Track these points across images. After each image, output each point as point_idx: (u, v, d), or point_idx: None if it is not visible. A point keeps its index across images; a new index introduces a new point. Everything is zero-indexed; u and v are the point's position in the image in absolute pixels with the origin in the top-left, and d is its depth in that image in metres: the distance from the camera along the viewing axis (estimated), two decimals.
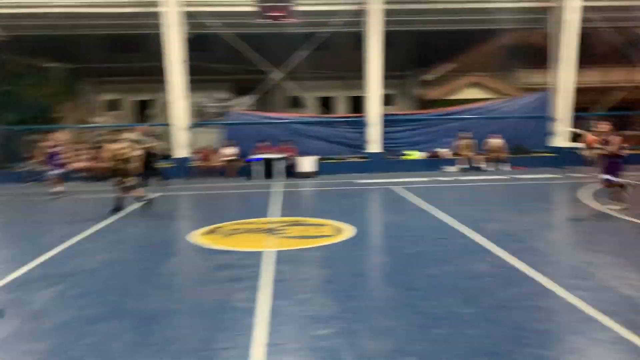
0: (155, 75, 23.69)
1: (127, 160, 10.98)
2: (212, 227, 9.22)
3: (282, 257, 7.06)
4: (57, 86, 21.90)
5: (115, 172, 11.08)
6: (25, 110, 23.00)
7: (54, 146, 15.25)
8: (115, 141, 11.33)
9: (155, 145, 13.94)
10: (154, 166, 13.84)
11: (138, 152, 11.50)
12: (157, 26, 19.07)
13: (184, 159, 18.13)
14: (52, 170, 16.89)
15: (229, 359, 4.19)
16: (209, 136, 20.50)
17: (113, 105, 26.02)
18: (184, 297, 5.75)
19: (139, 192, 11.43)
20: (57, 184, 14.89)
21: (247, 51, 19.67)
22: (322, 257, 7.16)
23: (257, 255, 7.16)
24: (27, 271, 6.74)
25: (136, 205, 11.55)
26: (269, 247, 7.65)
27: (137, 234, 9.30)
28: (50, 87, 21.73)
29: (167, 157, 19.15)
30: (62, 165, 17.28)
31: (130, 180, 11.11)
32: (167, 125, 19.12)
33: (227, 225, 9.47)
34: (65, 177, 17.09)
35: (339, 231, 8.62)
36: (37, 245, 8.20)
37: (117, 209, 11.10)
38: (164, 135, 22.55)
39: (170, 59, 18.19)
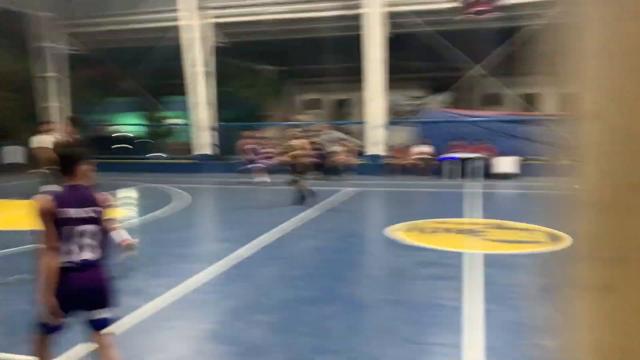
0: (351, 75, 24.73)
1: (301, 156, 11.90)
2: (409, 223, 9.24)
3: (490, 260, 6.76)
4: (267, 87, 24.14)
5: (294, 166, 11.99)
6: (240, 109, 25.87)
7: (261, 141, 16.90)
8: (297, 138, 12.27)
9: (326, 143, 14.39)
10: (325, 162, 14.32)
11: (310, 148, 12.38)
12: (358, 28, 19.85)
13: (378, 157, 18.52)
14: (258, 162, 18.79)
15: (441, 355, 4.15)
16: (403, 134, 20.65)
17: (314, 104, 27.81)
18: (390, 289, 5.85)
19: (304, 184, 12.11)
20: (262, 175, 16.38)
21: (444, 48, 19.34)
22: (535, 264, 6.68)
23: (458, 256, 6.97)
24: (248, 251, 7.52)
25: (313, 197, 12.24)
26: (472, 249, 7.40)
27: (338, 225, 9.75)
28: (261, 88, 24.04)
29: (361, 154, 19.82)
30: (267, 159, 19.06)
31: (303, 174, 11.93)
32: (363, 123, 19.74)
33: (425, 223, 9.41)
34: (271, 170, 18.83)
35: (552, 238, 7.95)
36: (252, 229, 9.11)
37: (302, 198, 11.87)
38: (359, 134, 23.43)
39: (369, 58, 18.71)
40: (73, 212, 3.12)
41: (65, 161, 3.23)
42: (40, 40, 20.51)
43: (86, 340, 3.32)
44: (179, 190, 14.08)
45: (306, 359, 4.10)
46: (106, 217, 3.31)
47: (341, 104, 26.97)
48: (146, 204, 12.01)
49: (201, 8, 19.63)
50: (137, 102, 27.00)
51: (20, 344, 4.20)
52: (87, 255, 3.16)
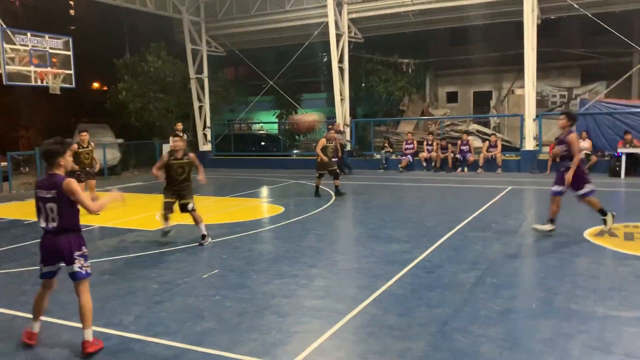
0: (496, 65, 23.29)
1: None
2: (599, 228, 8.12)
3: None
4: (404, 80, 23.53)
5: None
6: (377, 104, 25.59)
7: (404, 136, 16.37)
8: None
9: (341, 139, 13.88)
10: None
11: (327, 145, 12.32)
12: (504, 14, 18.52)
13: (532, 152, 17.11)
14: (401, 157, 18.33)
15: None
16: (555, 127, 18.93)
17: (452, 98, 26.70)
18: (619, 302, 5.02)
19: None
20: (402, 171, 15.91)
21: (599, 32, 17.36)
22: None
23: None
24: (430, 251, 7.03)
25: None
26: None
27: (517, 224, 8.91)
28: (399, 82, 23.47)
29: (515, 149, 18.50)
30: (410, 154, 18.52)
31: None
32: (514, 116, 18.40)
33: (620, 226, 8.25)
34: (412, 166, 18.24)
35: None
36: (426, 229, 8.60)
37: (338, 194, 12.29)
38: (506, 127, 21.97)
39: (524, 47, 17.25)
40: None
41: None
42: (189, 43, 21.71)
43: None
44: (321, 187, 14.05)
45: None
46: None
47: (484, 96, 25.55)
48: (305, 202, 12.01)
49: (338, 4, 19.50)
50: (277, 101, 27.83)
51: (240, 344, 4.12)
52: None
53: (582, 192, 7.60)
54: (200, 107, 22.55)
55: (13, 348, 4.30)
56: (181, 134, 8.83)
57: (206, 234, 7.88)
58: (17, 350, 4.25)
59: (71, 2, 28.35)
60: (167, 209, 7.87)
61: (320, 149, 12.25)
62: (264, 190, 14.53)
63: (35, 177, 16.89)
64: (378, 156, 19.54)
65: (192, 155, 8.06)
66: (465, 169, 17.47)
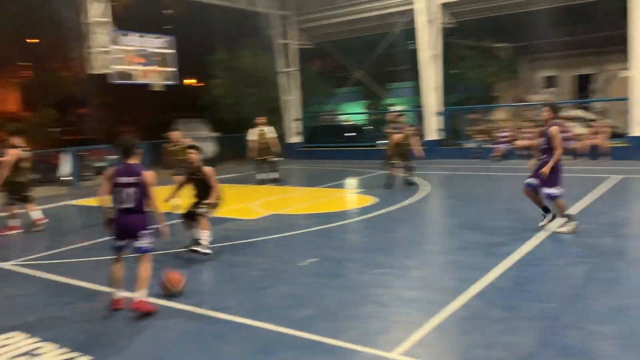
0: (598, 46, 21.68)
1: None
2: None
3: None
4: (498, 66, 22.55)
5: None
6: (468, 91, 24.74)
7: (498, 124, 15.73)
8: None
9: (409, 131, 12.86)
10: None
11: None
12: None
13: None
14: (496, 146, 17.63)
15: None
16: None
17: (549, 82, 25.24)
18: None
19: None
20: (499, 159, 15.26)
21: None
22: None
23: None
24: (533, 243, 6.72)
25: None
26: None
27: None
28: (492, 67, 22.53)
29: (617, 135, 17.22)
30: (506, 143, 17.77)
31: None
32: (621, 100, 17.07)
33: None
34: (509, 154, 17.48)
35: None
36: (527, 220, 8.23)
37: (387, 185, 12.08)
38: (615, 112, 20.41)
39: (633, 25, 15.92)
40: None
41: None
42: (277, 38, 22.16)
43: None
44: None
45: None
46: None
47: (585, 79, 23.92)
48: (396, 192, 11.89)
49: None
50: (362, 91, 27.74)
51: (342, 331, 4.18)
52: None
53: (552, 193, 7.17)
54: (289, 100, 22.98)
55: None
56: (194, 149, 7.16)
57: (202, 243, 6.74)
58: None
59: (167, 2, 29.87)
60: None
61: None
62: (354, 181, 14.58)
63: None
64: (470, 145, 18.93)
65: (207, 170, 6.95)
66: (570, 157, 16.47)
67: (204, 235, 6.76)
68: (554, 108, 7.49)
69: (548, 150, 7.19)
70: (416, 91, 25.23)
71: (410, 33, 20.46)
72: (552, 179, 7.14)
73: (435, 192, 11.69)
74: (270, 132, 14.33)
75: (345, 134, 24.85)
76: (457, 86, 25.44)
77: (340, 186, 13.78)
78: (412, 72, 22.17)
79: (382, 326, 4.40)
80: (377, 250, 6.90)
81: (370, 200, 10.79)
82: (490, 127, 20.15)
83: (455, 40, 22.67)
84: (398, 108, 20.29)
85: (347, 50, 25.73)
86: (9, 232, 9.07)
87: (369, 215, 9.27)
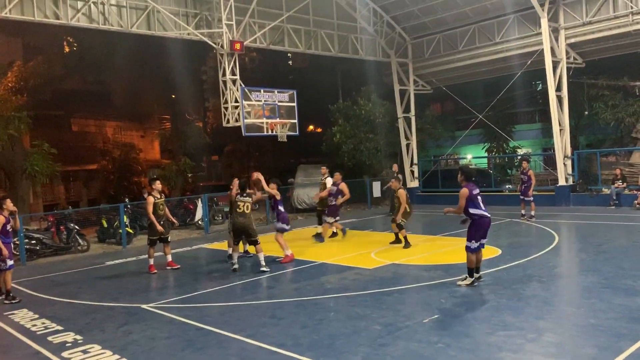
0: None
1: None
2: None
3: None
4: (638, 104, 20.73)
5: None
6: (602, 132, 22.97)
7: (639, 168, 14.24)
8: None
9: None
10: None
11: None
12: None
13: None
14: (637, 192, 16.02)
15: None
16: None
17: None
18: None
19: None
20: None
21: None
22: None
23: None
24: None
25: None
26: None
27: None
28: (631, 106, 20.77)
29: None
30: None
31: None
32: None
33: None
34: None
35: None
36: None
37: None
38: None
39: None
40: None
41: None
42: (397, 84, 22.41)
43: None
44: (541, 226, 12.98)
45: None
46: None
47: None
48: (524, 243, 11.25)
49: (554, 30, 18.19)
50: (484, 134, 26.92)
51: None
52: None
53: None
54: (408, 145, 22.95)
55: None
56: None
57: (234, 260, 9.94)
58: None
59: (289, 55, 31.71)
60: None
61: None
62: None
63: (263, 212, 18.98)
64: (607, 191, 17.40)
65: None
66: None
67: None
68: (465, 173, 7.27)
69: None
70: (545, 133, 23.96)
71: (537, 74, 19.67)
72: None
73: (566, 243, 10.87)
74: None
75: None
76: (591, 127, 23.77)
77: (462, 235, 13.27)
78: (540, 114, 21.18)
79: None
80: (504, 308, 6.53)
81: (494, 251, 10.29)
82: (630, 171, 18.41)
83: (587, 81, 21.34)
84: (524, 151, 19.32)
85: (468, 92, 25.30)
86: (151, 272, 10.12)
87: (494, 269, 8.83)
